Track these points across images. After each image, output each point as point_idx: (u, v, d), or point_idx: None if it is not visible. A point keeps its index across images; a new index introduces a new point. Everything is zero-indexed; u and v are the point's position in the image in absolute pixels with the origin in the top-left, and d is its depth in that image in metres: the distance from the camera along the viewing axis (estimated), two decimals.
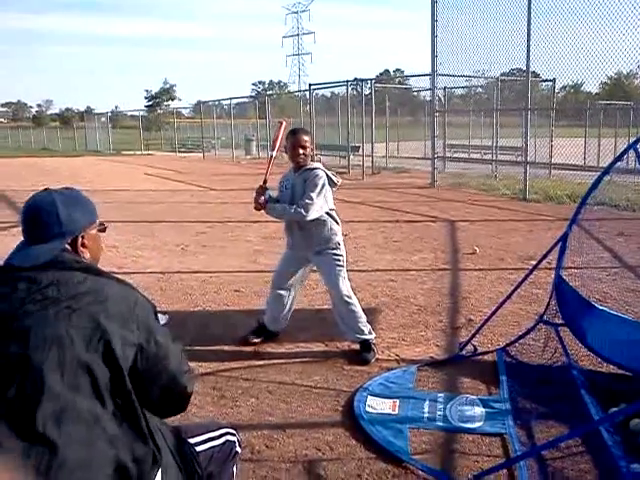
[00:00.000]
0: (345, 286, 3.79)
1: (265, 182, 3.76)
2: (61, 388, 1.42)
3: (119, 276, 1.70)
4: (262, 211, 3.76)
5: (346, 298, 3.77)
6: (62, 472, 1.38)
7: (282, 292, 3.97)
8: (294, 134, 3.77)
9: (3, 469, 1.37)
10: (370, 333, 3.82)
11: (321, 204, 3.67)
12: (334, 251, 3.80)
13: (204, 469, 1.77)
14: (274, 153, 3.86)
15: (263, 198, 3.72)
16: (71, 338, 1.45)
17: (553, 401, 3.07)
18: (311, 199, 3.62)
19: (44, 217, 1.63)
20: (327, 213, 3.76)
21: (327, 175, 3.75)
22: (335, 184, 3.82)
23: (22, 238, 1.68)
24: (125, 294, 1.60)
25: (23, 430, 1.39)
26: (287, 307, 4.00)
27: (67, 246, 1.65)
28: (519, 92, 14.37)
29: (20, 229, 1.69)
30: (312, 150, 3.84)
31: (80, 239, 1.68)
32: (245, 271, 6.02)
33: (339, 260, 3.81)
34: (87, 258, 1.69)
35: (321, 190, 3.66)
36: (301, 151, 3.73)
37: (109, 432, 1.47)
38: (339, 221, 3.87)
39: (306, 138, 3.76)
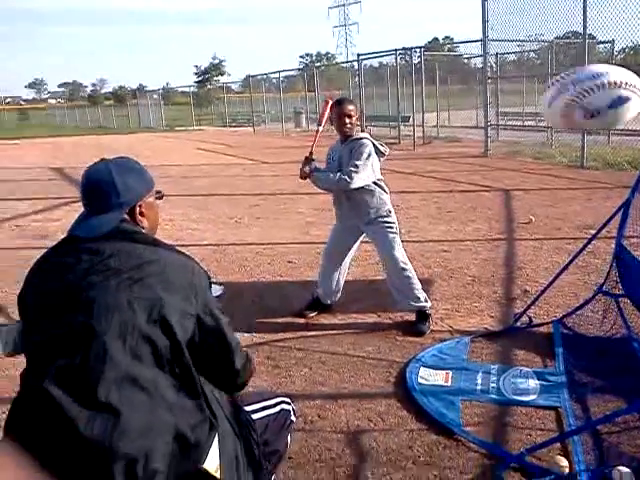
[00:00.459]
0: (400, 253, 3.77)
1: (311, 153, 3.75)
2: (123, 357, 1.47)
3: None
4: (308, 180, 3.76)
5: (402, 265, 3.75)
6: (124, 438, 1.42)
7: (334, 265, 3.98)
8: (340, 104, 3.74)
9: (6, 466, 1.43)
10: (426, 301, 3.80)
11: (368, 173, 3.64)
12: (385, 219, 3.78)
13: (260, 436, 1.81)
14: (320, 128, 3.85)
15: (308, 167, 3.72)
16: (133, 308, 1.49)
17: (611, 374, 3.00)
18: (355, 167, 3.59)
19: (102, 187, 1.66)
20: (374, 183, 3.73)
21: (374, 144, 3.71)
22: (383, 154, 3.78)
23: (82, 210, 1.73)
24: (184, 264, 1.63)
25: (87, 397, 1.43)
26: (339, 280, 4.01)
27: (126, 215, 1.68)
28: (574, 56, 13.81)
29: (79, 204, 1.73)
30: (358, 120, 3.80)
31: (138, 208, 1.70)
32: (297, 242, 6.06)
33: (392, 227, 3.79)
34: (145, 227, 1.72)
35: (367, 159, 3.63)
36: (347, 120, 3.70)
37: (169, 400, 1.51)
38: (387, 191, 3.83)
39: (351, 107, 3.72)
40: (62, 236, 1.74)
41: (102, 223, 1.63)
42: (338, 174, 3.63)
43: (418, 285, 3.78)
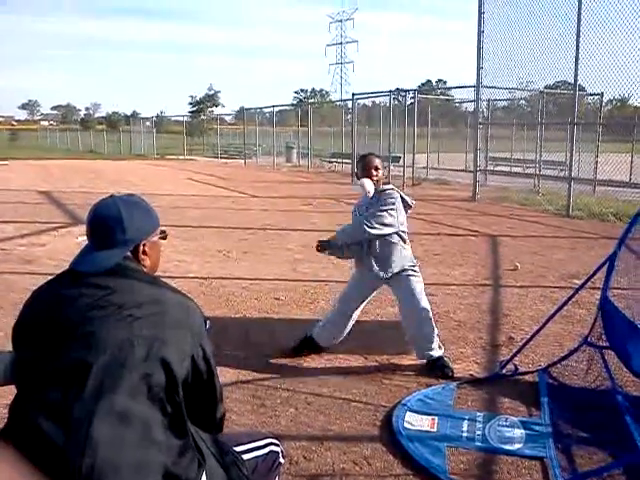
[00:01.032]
0: (425, 302, 3.81)
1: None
2: (118, 393, 1.47)
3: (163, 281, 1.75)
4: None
5: (429, 316, 3.78)
6: (115, 476, 1.43)
7: (347, 315, 3.95)
8: (364, 158, 3.83)
9: (3, 466, 1.43)
10: (440, 348, 3.82)
11: (389, 221, 3.68)
12: (412, 269, 3.82)
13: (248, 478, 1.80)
14: None
15: (327, 246, 3.84)
16: (132, 345, 1.50)
17: (596, 427, 3.02)
18: (380, 215, 3.65)
19: (109, 223, 1.68)
20: (397, 234, 3.77)
21: (401, 196, 3.78)
22: (410, 206, 3.84)
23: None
24: (184, 305, 1.66)
25: (78, 432, 1.44)
26: (347, 329, 3.98)
27: (129, 253, 1.70)
28: (563, 106, 14.17)
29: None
30: (383, 174, 3.85)
31: (142, 247, 1.72)
32: (285, 279, 6.08)
33: (418, 277, 3.84)
34: (147, 265, 1.74)
35: (389, 209, 3.68)
36: (374, 172, 3.76)
37: (159, 438, 1.52)
38: (408, 242, 3.88)
39: (377, 160, 3.81)
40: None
41: (105, 259, 1.65)
42: (358, 221, 3.71)
43: (436, 335, 3.80)
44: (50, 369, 1.52)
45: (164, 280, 1.75)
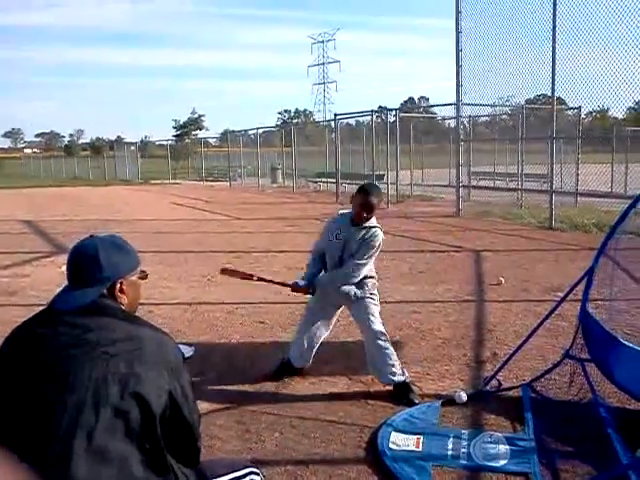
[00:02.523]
0: (380, 327, 3.74)
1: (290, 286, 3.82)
2: (95, 431, 1.48)
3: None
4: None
5: (383, 343, 3.70)
6: None
7: (311, 332, 3.92)
8: (365, 193, 3.61)
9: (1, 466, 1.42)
10: (403, 374, 3.72)
11: (370, 266, 3.69)
12: (370, 292, 3.81)
13: None
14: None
15: (302, 289, 3.77)
16: (107, 383, 1.51)
17: (579, 440, 3.04)
18: (365, 261, 3.62)
19: (86, 262, 1.72)
20: None
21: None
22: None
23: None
24: (160, 341, 1.67)
25: (55, 471, 1.44)
26: (314, 348, 3.97)
27: (105, 291, 1.72)
28: (544, 118, 14.36)
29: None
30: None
31: (119, 285, 1.75)
32: (270, 302, 6.06)
33: (374, 301, 3.82)
34: (124, 303, 1.76)
35: (376, 253, 3.68)
36: (365, 215, 3.62)
37: (138, 475, 1.52)
38: (375, 273, 3.89)
39: (375, 201, 3.62)
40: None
41: (81, 296, 1.68)
42: (343, 271, 3.65)
43: (395, 358, 3.71)
44: (25, 409, 1.52)
45: (149, 307, 1.77)
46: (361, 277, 3.67)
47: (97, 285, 1.71)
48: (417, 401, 3.61)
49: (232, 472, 1.88)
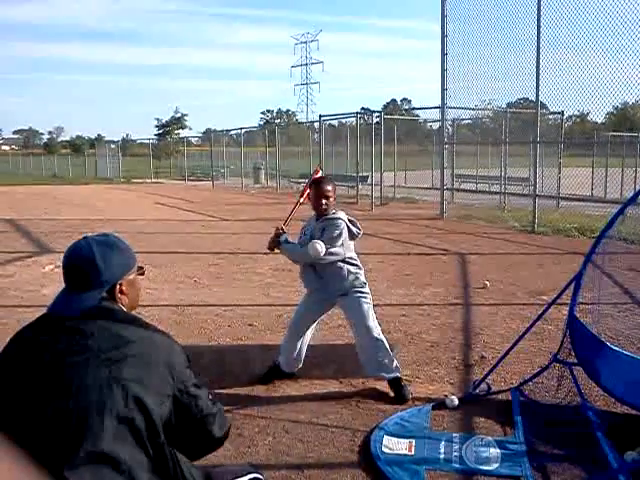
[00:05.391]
0: (375, 323, 3.81)
1: (285, 224, 3.83)
2: (101, 437, 1.48)
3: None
4: (276, 250, 3.83)
5: (377, 335, 3.78)
6: None
7: (298, 336, 3.95)
8: (318, 184, 3.82)
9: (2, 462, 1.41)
10: (397, 369, 3.81)
11: (334, 251, 3.70)
12: (360, 289, 3.85)
13: None
14: (301, 199, 3.93)
15: (278, 240, 3.78)
16: (111, 389, 1.51)
17: (568, 443, 3.09)
18: (320, 243, 3.65)
19: (83, 266, 1.69)
20: (344, 260, 3.77)
21: (347, 225, 3.79)
22: (356, 235, 3.85)
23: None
24: (162, 344, 1.67)
25: (62, 478, 1.44)
26: (302, 350, 3.99)
27: (105, 294, 1.70)
28: (526, 121, 14.52)
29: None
30: (334, 199, 3.85)
31: (118, 286, 1.73)
32: (258, 304, 6.07)
33: (366, 298, 3.85)
34: (125, 304, 1.75)
35: (335, 238, 3.70)
36: (324, 201, 3.77)
37: None
38: (361, 266, 3.91)
39: (329, 188, 3.79)
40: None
41: (81, 301, 1.65)
42: (304, 247, 3.70)
43: (390, 354, 3.80)
44: (30, 418, 1.51)
45: (137, 309, 1.76)
46: (317, 258, 3.66)
47: (97, 289, 1.69)
48: (409, 397, 3.69)
49: (236, 478, 1.89)
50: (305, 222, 4.01)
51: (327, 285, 3.82)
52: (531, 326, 3.86)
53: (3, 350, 1.66)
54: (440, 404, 3.63)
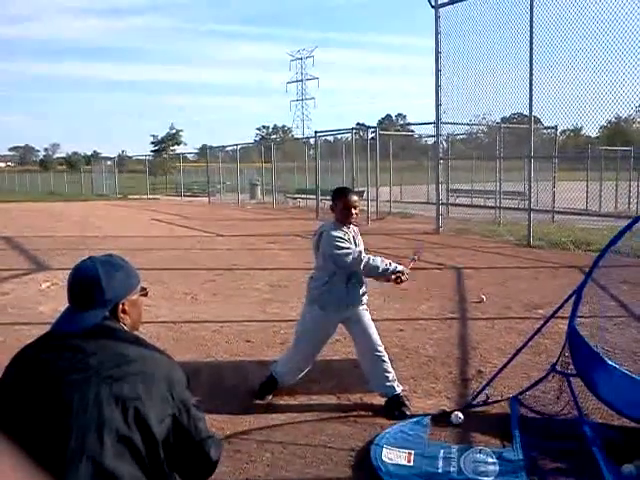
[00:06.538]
0: (378, 339, 3.87)
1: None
2: (101, 455, 1.49)
3: None
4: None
5: (382, 351, 3.84)
6: None
7: (313, 356, 4.00)
8: (346, 195, 3.79)
9: (3, 466, 1.43)
10: (398, 386, 3.84)
11: None
12: (366, 303, 3.94)
13: None
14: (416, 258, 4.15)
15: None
16: (111, 407, 1.53)
17: (565, 456, 3.11)
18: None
19: (88, 285, 1.73)
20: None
21: None
22: None
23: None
24: (164, 364, 1.69)
25: None
26: (306, 370, 4.03)
27: (107, 313, 1.74)
28: (521, 136, 14.63)
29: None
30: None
31: (121, 306, 1.77)
32: (255, 320, 6.08)
33: (368, 310, 3.94)
34: (127, 323, 1.78)
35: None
36: (354, 211, 3.79)
37: None
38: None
39: (355, 198, 3.83)
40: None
41: (84, 319, 1.68)
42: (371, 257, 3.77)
43: (391, 370, 3.83)
44: (31, 435, 1.53)
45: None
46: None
47: (100, 308, 1.72)
48: (408, 413, 3.69)
49: None
50: (338, 232, 3.76)
51: (354, 298, 3.82)
52: (530, 339, 3.89)
53: (5, 368, 1.68)
54: (439, 415, 3.65)
